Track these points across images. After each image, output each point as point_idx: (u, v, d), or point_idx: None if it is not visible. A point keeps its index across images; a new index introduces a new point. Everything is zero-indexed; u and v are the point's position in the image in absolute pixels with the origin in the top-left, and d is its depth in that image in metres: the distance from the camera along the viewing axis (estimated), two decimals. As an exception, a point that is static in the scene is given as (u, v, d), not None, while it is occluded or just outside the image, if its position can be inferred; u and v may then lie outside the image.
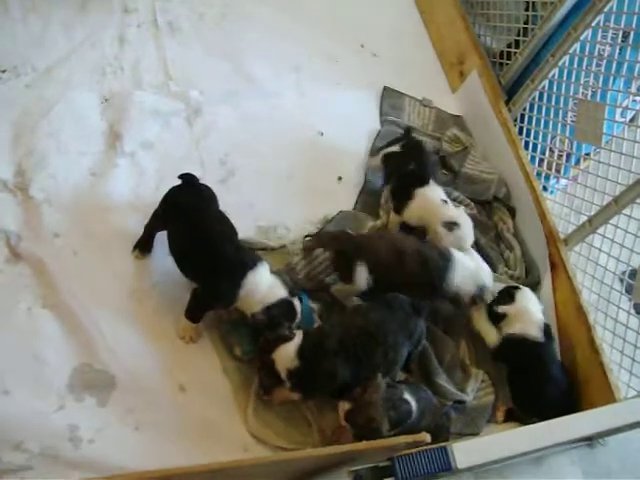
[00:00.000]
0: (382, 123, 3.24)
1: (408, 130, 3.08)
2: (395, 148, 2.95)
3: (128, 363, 2.43)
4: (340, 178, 3.04)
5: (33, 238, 2.60)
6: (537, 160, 3.23)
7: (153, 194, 2.72)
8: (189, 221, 2.46)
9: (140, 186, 2.78)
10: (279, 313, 2.44)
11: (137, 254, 2.64)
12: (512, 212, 3.19)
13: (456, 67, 3.52)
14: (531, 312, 2.72)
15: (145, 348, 2.48)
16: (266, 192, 2.88)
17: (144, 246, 2.64)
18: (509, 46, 3.33)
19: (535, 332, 2.68)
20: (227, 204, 2.61)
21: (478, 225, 3.03)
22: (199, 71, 3.14)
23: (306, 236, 2.75)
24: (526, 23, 3.24)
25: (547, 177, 3.24)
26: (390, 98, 3.34)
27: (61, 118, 2.87)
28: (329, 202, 2.94)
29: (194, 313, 2.50)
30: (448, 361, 2.75)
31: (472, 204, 3.15)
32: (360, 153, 3.12)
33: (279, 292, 2.46)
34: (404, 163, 2.90)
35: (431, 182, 2.87)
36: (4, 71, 2.95)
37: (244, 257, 2.46)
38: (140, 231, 2.63)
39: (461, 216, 2.82)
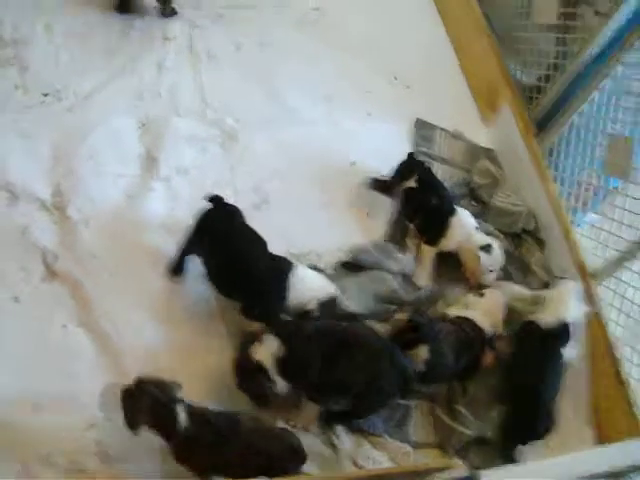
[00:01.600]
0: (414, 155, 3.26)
1: (411, 155, 3.10)
2: (412, 184, 2.99)
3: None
4: (370, 208, 3.07)
5: (69, 257, 2.66)
6: (566, 193, 3.24)
7: (187, 218, 2.74)
8: (222, 241, 2.53)
9: (174, 210, 2.84)
10: (327, 309, 2.53)
11: (170, 276, 2.69)
12: (541, 245, 3.20)
13: (487, 100, 3.56)
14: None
15: (178, 368, 2.49)
16: (298, 219, 2.91)
17: (177, 268, 2.68)
18: (540, 80, 3.36)
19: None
20: (260, 230, 2.65)
21: (507, 257, 3.05)
22: (235, 98, 3.21)
23: (341, 262, 2.80)
24: (557, 58, 3.28)
25: (576, 210, 3.25)
26: (422, 130, 3.38)
27: (100, 141, 2.95)
28: (360, 231, 2.98)
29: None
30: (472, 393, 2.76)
31: (501, 236, 3.16)
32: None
33: (327, 287, 2.56)
34: (425, 197, 2.96)
35: (459, 209, 2.94)
36: (47, 95, 3.04)
37: (280, 264, 2.54)
38: (173, 253, 2.68)
39: (493, 240, 2.93)
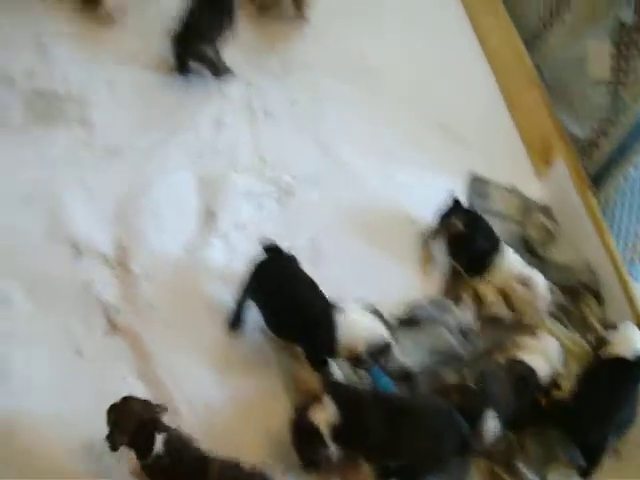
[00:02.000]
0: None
1: (457, 202, 3.11)
2: (459, 227, 3.00)
3: (218, 437, 2.47)
4: (424, 262, 3.08)
5: (130, 311, 2.73)
6: (624, 246, 3.21)
7: (244, 271, 2.81)
8: (279, 285, 2.62)
9: (232, 264, 2.89)
10: (379, 353, 2.54)
11: (229, 329, 2.73)
12: (599, 299, 3.16)
13: (541, 153, 3.57)
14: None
15: (235, 424, 2.53)
16: (353, 274, 2.94)
17: (235, 321, 2.73)
18: (594, 133, 3.36)
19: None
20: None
21: (564, 312, 3.03)
22: (290, 154, 3.28)
23: (396, 318, 2.81)
24: (611, 110, 3.28)
25: (634, 263, 3.21)
26: (476, 184, 3.40)
27: (160, 197, 3.04)
28: (415, 285, 3.00)
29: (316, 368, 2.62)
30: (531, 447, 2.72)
31: (558, 290, 3.14)
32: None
33: (379, 330, 2.56)
34: (470, 237, 2.98)
35: (504, 247, 2.96)
36: (110, 151, 3.15)
37: (331, 305, 2.60)
38: (231, 306, 2.73)
39: (537, 275, 2.92)
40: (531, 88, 3.68)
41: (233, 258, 2.91)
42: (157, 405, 2.29)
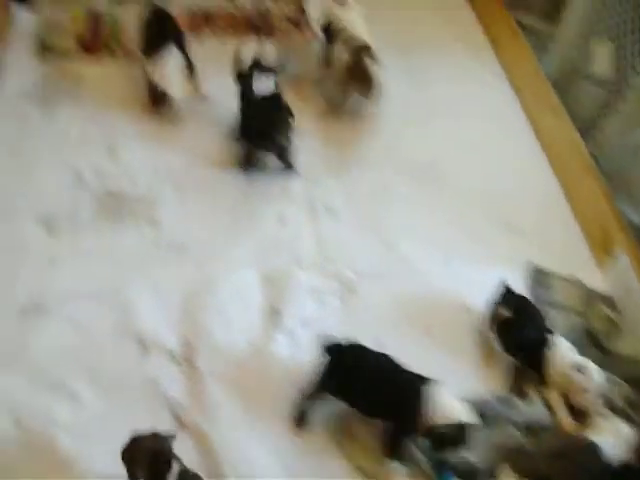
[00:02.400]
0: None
1: (507, 289, 3.09)
2: (506, 313, 2.98)
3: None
4: (488, 357, 3.05)
5: (196, 408, 2.76)
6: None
7: (308, 368, 2.83)
8: (361, 370, 2.66)
9: (297, 361, 2.92)
10: (451, 435, 2.53)
11: (295, 425, 2.73)
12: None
13: (601, 243, 3.54)
14: None
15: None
16: (416, 369, 2.91)
17: (301, 416, 2.73)
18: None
19: None
20: None
21: (632, 406, 2.95)
22: (352, 250, 3.34)
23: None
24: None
25: None
26: (537, 276, 3.38)
27: (225, 294, 3.11)
28: (484, 380, 2.96)
29: (393, 450, 2.64)
30: None
31: (625, 385, 3.07)
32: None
33: (464, 411, 2.56)
34: (519, 326, 2.94)
35: (555, 338, 2.91)
36: (176, 249, 3.26)
37: (416, 379, 2.63)
38: (296, 402, 2.74)
39: (590, 362, 2.85)
40: (588, 177, 3.69)
41: (297, 354, 2.93)
42: (166, 435, 2.38)
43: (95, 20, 4.56)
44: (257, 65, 3.69)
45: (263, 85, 3.57)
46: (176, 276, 3.16)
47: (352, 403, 2.69)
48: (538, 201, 3.74)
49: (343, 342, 2.73)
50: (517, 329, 2.96)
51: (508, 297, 3.05)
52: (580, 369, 2.82)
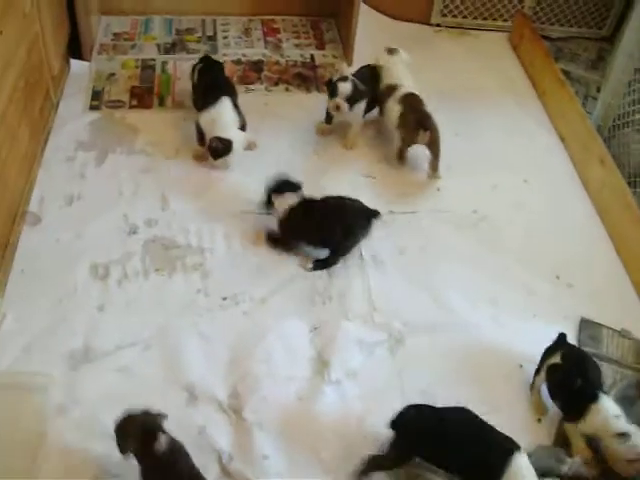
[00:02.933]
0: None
1: (563, 336, 3.04)
2: (557, 359, 2.93)
3: None
4: (537, 409, 3.00)
5: (243, 459, 2.74)
6: None
7: (356, 422, 2.86)
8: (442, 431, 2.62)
9: (345, 414, 2.90)
10: None
11: None
12: None
13: (653, 296, 3.51)
14: None
15: None
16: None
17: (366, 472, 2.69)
18: None
19: None
20: None
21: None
22: (401, 302, 3.33)
23: None
24: None
25: None
26: (588, 329, 3.34)
27: (273, 345, 3.11)
28: (527, 434, 2.90)
29: None
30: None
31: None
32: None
33: None
34: (569, 376, 2.87)
35: (603, 396, 2.81)
36: (225, 299, 3.28)
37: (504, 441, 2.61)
38: (345, 460, 2.72)
39: (630, 429, 2.74)
40: (637, 228, 3.66)
41: (345, 408, 2.92)
42: (157, 413, 2.53)
43: (147, 70, 4.69)
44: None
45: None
46: (225, 326, 3.17)
47: (439, 464, 2.67)
48: (587, 253, 3.71)
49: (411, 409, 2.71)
50: (563, 375, 2.90)
51: (560, 344, 3.01)
52: (623, 439, 2.74)
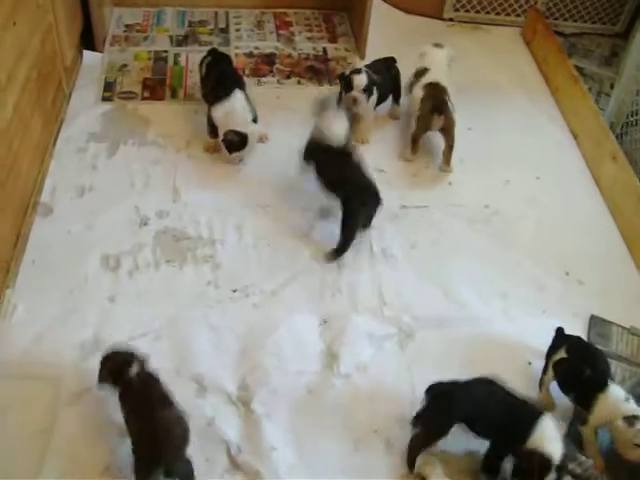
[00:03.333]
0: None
1: (561, 330, 3.05)
2: (562, 354, 2.92)
3: None
4: (547, 404, 2.98)
5: (252, 450, 2.75)
6: None
7: (366, 417, 2.86)
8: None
9: (354, 407, 2.90)
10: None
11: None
12: None
13: (664, 294, 3.49)
14: None
15: None
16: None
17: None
18: None
19: None
20: None
21: None
22: (411, 296, 3.33)
23: None
24: None
25: None
26: (597, 327, 3.32)
27: (283, 337, 3.12)
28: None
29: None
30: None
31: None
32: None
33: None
34: (577, 368, 2.88)
35: (610, 384, 2.81)
36: (235, 291, 3.29)
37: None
38: (355, 453, 2.74)
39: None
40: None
41: (354, 401, 2.92)
42: (142, 353, 2.72)
43: (159, 62, 4.69)
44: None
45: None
46: (235, 319, 3.18)
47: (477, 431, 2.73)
48: (598, 250, 3.69)
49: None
50: (571, 367, 2.90)
51: (562, 339, 3.01)
52: (631, 422, 2.73)
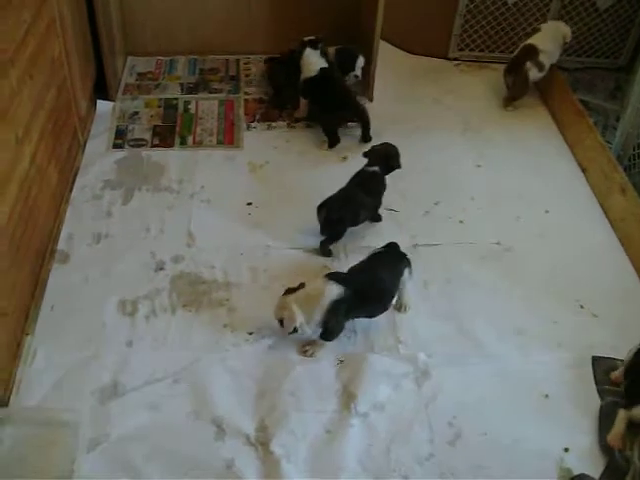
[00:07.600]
0: (599, 392, 3.15)
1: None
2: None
3: None
4: (567, 450, 2.95)
5: (271, 493, 2.76)
6: None
7: (384, 456, 2.86)
8: None
9: (372, 447, 2.90)
10: None
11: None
12: None
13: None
14: None
15: None
16: (492, 456, 2.87)
17: None
18: None
19: None
20: (455, 467, 2.75)
21: None
22: (426, 334, 3.34)
23: None
24: None
25: None
26: (602, 366, 3.26)
27: (300, 378, 3.13)
28: (554, 464, 2.89)
29: None
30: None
31: None
32: (586, 422, 3.04)
33: None
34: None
35: None
36: (251, 333, 3.32)
37: None
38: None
39: None
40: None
41: (373, 441, 2.92)
42: None
43: (169, 109, 4.78)
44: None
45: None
46: (251, 359, 3.21)
47: None
48: (610, 282, 3.70)
49: None
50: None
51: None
52: None
